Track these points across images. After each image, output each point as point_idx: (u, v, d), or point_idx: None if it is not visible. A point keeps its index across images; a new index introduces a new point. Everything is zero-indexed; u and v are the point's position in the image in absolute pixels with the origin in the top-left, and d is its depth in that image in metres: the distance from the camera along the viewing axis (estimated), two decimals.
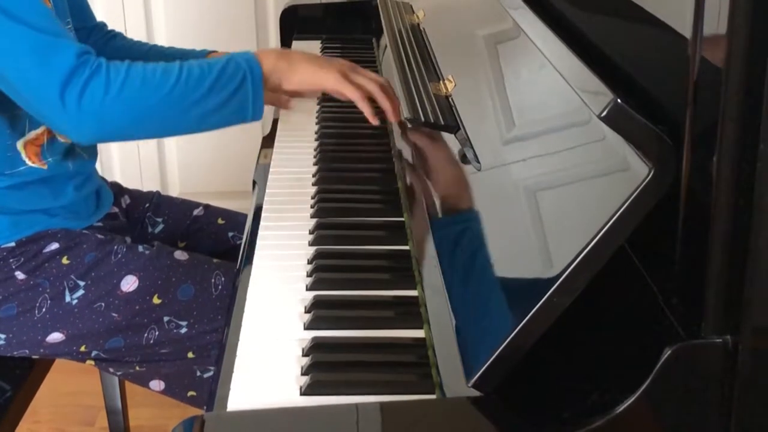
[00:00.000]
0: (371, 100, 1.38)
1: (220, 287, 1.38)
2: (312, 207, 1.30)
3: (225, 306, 1.34)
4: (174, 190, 2.74)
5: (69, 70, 1.22)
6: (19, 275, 1.38)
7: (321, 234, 1.22)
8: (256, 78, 1.30)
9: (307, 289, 1.09)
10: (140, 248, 1.41)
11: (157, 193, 1.67)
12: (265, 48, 1.38)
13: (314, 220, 1.26)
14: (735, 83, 0.69)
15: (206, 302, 1.38)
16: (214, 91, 1.28)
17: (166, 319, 1.37)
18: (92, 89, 1.23)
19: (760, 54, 0.68)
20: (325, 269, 1.12)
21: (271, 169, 1.44)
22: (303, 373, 0.93)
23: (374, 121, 1.38)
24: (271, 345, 0.99)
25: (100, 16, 1.76)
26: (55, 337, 1.38)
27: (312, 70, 1.35)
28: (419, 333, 1.00)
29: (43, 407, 2.17)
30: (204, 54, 1.62)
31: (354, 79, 1.37)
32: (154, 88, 1.26)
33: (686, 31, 0.73)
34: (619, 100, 0.76)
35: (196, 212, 1.64)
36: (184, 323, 1.37)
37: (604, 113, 0.76)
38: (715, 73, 0.70)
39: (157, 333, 1.37)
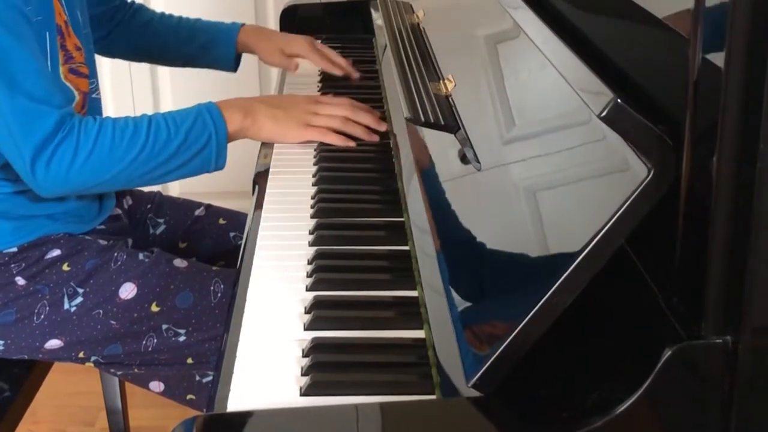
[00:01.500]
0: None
1: (219, 295, 1.38)
2: (312, 207, 1.30)
3: (224, 314, 1.33)
4: (174, 191, 2.74)
5: (44, 138, 1.26)
6: (20, 281, 1.37)
7: (321, 234, 1.21)
8: (221, 138, 1.35)
9: (307, 290, 1.09)
10: (140, 255, 1.40)
11: (159, 193, 1.68)
12: (230, 100, 1.40)
13: (314, 220, 1.26)
14: (735, 83, 0.69)
15: (205, 310, 1.37)
16: (180, 151, 1.33)
17: (164, 327, 1.36)
18: (60, 156, 1.27)
19: (760, 54, 0.68)
20: (325, 269, 1.12)
21: (271, 169, 1.44)
22: (303, 374, 0.93)
23: (349, 144, 1.45)
24: (271, 345, 0.99)
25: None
26: (54, 343, 1.38)
27: (274, 129, 1.42)
28: (419, 333, 1.00)
29: (43, 407, 2.17)
30: (237, 28, 1.74)
31: (316, 123, 1.43)
32: (121, 154, 1.30)
33: (686, 31, 0.73)
34: (619, 100, 0.76)
35: (197, 212, 1.64)
36: (182, 331, 1.36)
37: (604, 113, 0.76)
38: (715, 73, 0.70)
39: (155, 341, 1.37)
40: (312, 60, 1.78)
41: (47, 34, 1.35)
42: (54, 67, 1.37)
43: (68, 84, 1.40)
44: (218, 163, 1.37)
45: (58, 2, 1.39)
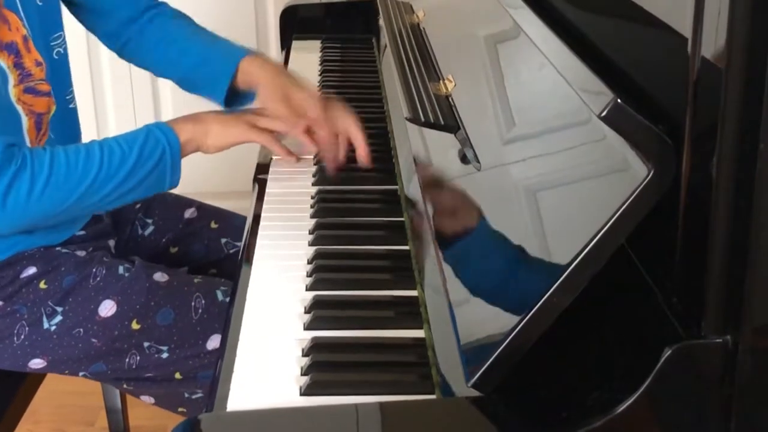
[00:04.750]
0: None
1: (200, 311, 1.34)
2: (312, 207, 1.30)
3: (206, 330, 1.33)
4: (173, 190, 2.73)
5: None
6: None
7: (321, 234, 1.22)
8: (175, 151, 1.33)
9: (307, 289, 1.09)
10: (120, 269, 1.37)
11: None
12: (178, 117, 1.39)
13: (314, 220, 1.26)
14: (735, 83, 0.69)
15: (186, 327, 1.34)
16: (136, 169, 1.30)
17: (146, 344, 1.34)
18: (17, 188, 1.23)
19: (760, 54, 0.68)
20: (325, 269, 1.12)
21: (271, 169, 1.44)
22: (303, 373, 0.93)
23: (289, 158, 1.45)
24: (270, 345, 0.99)
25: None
26: (37, 362, 1.36)
27: (221, 130, 1.38)
28: (419, 333, 1.00)
29: (43, 407, 2.17)
30: (242, 54, 1.50)
31: (261, 125, 1.41)
32: (78, 178, 1.27)
33: (686, 31, 0.73)
34: (619, 100, 0.76)
35: (188, 214, 1.61)
36: (164, 348, 1.34)
37: (604, 113, 0.76)
38: (715, 73, 0.70)
39: (138, 358, 1.34)
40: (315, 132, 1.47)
41: None
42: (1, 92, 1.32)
43: (19, 107, 1.35)
44: (173, 178, 1.34)
45: (17, 17, 1.34)
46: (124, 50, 1.60)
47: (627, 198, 0.74)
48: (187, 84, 1.58)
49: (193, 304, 1.35)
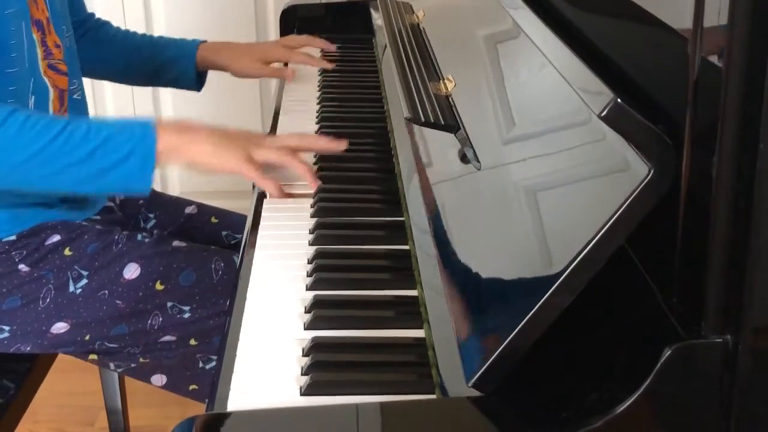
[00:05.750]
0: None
1: (220, 272, 1.40)
2: (312, 207, 1.30)
3: (226, 290, 1.37)
4: (174, 189, 2.74)
5: None
6: (23, 268, 1.38)
7: (321, 234, 1.22)
8: (147, 154, 1.24)
9: (307, 289, 1.09)
10: (140, 237, 1.42)
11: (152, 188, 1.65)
12: (173, 120, 1.35)
13: (314, 220, 1.26)
14: (735, 83, 0.69)
15: (208, 287, 1.39)
16: (95, 158, 1.23)
17: (169, 304, 1.38)
18: None
19: (760, 54, 0.68)
20: (325, 269, 1.12)
21: None
22: (303, 373, 0.93)
23: (283, 197, 1.32)
24: (271, 345, 0.99)
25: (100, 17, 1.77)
26: (60, 326, 1.38)
27: (212, 153, 1.28)
28: (419, 333, 1.00)
29: (43, 407, 2.17)
30: (195, 45, 1.70)
31: (259, 157, 1.30)
32: (27, 142, 1.22)
33: (686, 31, 0.73)
34: (619, 100, 0.76)
35: (188, 210, 1.65)
36: (187, 308, 1.38)
37: (604, 113, 0.76)
38: (715, 73, 0.70)
39: (160, 319, 1.38)
40: (293, 60, 1.81)
41: (23, 24, 1.35)
42: (32, 60, 1.37)
43: (46, 79, 1.41)
44: (143, 182, 1.25)
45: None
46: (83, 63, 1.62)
47: (627, 198, 0.74)
48: (155, 80, 1.75)
49: (213, 266, 1.40)
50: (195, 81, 1.73)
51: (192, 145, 1.28)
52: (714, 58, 0.70)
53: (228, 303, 1.25)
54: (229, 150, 1.29)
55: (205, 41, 1.74)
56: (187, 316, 1.38)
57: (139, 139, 1.25)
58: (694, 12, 0.72)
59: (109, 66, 1.73)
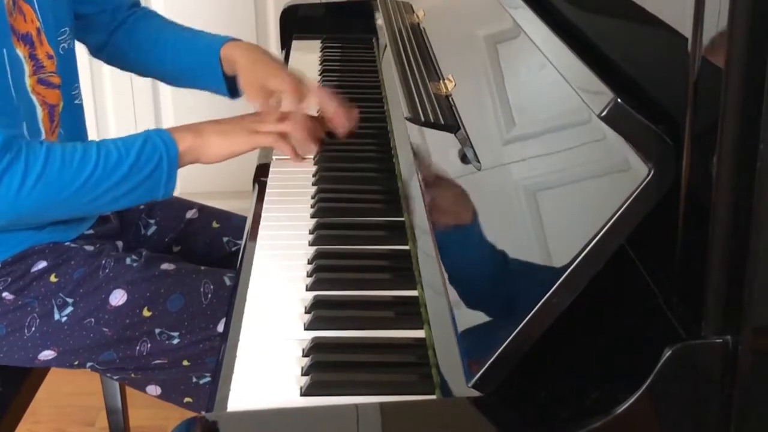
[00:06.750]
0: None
1: (209, 296, 1.36)
2: (312, 207, 1.30)
3: (215, 314, 1.33)
4: (175, 190, 2.73)
5: None
6: (7, 296, 1.35)
7: (321, 234, 1.22)
8: (172, 159, 1.31)
9: (307, 289, 1.09)
10: (128, 260, 1.38)
11: None
12: (178, 126, 1.38)
13: (314, 220, 1.26)
14: (735, 83, 0.69)
15: (197, 312, 1.35)
16: (132, 173, 1.28)
17: (157, 331, 1.35)
18: (9, 179, 1.22)
19: (760, 54, 0.68)
20: (325, 269, 1.12)
21: (271, 169, 1.44)
22: (303, 374, 0.93)
23: (297, 161, 1.42)
24: (271, 345, 0.99)
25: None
26: (47, 354, 1.37)
27: (222, 142, 1.35)
28: (419, 333, 1.00)
29: (43, 407, 2.17)
30: (221, 42, 1.58)
31: (264, 129, 1.37)
32: (72, 176, 1.25)
33: (686, 31, 0.73)
34: (619, 100, 0.76)
35: (190, 215, 1.61)
36: (175, 334, 1.35)
37: (604, 113, 0.76)
38: (715, 73, 0.70)
39: (149, 345, 1.35)
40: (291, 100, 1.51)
41: (4, 50, 1.29)
42: (17, 80, 1.32)
43: (33, 97, 1.37)
44: (168, 188, 1.32)
45: (31, 8, 1.36)
46: (110, 53, 1.61)
47: (627, 198, 0.74)
48: (179, 79, 1.66)
49: (202, 289, 1.36)
50: (228, 91, 1.61)
51: (203, 140, 1.34)
52: (714, 58, 0.70)
53: (223, 324, 1.27)
54: (236, 132, 1.36)
55: (228, 40, 1.59)
56: (176, 342, 1.35)
57: (163, 147, 1.30)
58: (694, 12, 0.72)
59: (143, 62, 1.66)
